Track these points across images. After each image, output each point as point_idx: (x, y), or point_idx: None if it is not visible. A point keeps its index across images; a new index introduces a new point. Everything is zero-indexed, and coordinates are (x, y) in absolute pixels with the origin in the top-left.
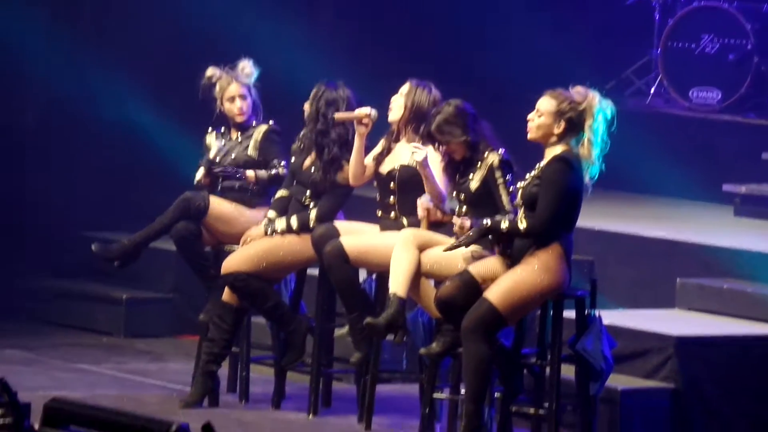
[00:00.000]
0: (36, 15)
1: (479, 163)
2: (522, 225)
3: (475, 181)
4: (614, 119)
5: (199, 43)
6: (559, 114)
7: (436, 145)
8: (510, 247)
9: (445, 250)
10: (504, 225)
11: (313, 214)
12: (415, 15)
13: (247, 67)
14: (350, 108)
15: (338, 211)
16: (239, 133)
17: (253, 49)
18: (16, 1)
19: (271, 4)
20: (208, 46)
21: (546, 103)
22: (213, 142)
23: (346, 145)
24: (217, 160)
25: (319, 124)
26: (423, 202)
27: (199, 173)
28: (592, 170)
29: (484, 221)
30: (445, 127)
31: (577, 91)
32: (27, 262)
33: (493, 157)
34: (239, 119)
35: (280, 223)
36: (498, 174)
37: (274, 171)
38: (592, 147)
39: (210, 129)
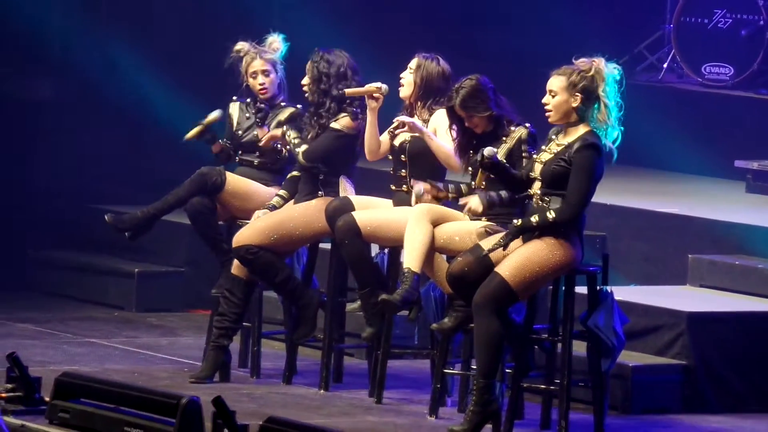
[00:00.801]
0: None
1: (504, 137)
2: (552, 215)
3: (499, 155)
4: (623, 80)
5: (214, 15)
6: (572, 86)
7: (455, 121)
8: (499, 179)
9: (486, 254)
10: (534, 220)
11: (302, 147)
12: None
13: (275, 42)
14: (352, 71)
15: (330, 153)
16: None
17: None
18: None
19: None
20: (222, 19)
21: (556, 81)
22: (236, 112)
23: (342, 101)
24: (239, 133)
25: (323, 84)
26: (416, 191)
27: (213, 114)
28: (610, 133)
29: (515, 221)
30: (469, 102)
31: (581, 62)
32: (39, 235)
33: (521, 131)
34: (262, 96)
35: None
36: (524, 147)
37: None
38: (608, 110)
39: (234, 98)
